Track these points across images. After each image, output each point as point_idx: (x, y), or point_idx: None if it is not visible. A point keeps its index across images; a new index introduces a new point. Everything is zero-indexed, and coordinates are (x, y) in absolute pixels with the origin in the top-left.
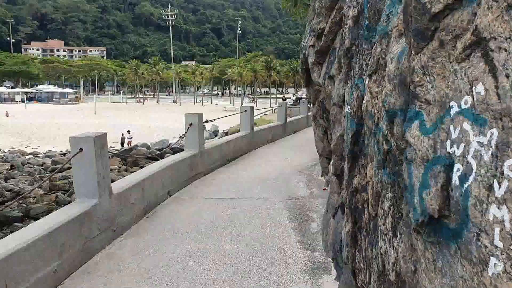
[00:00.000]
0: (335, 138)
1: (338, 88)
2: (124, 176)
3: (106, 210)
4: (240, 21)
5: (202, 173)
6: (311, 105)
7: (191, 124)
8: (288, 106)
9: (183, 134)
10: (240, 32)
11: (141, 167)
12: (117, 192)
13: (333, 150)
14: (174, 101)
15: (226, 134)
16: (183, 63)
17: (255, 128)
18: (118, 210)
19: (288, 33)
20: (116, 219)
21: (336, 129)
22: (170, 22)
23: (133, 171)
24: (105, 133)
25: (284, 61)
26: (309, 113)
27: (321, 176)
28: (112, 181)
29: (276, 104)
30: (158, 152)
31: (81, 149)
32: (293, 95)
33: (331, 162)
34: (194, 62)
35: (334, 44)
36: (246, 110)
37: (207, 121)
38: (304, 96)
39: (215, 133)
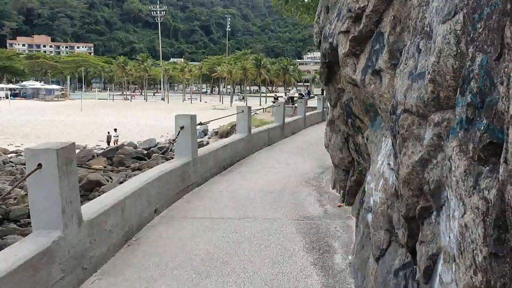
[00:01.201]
0: (409, 164)
1: (413, 86)
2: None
3: (74, 244)
4: (229, 19)
5: (196, 184)
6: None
7: (182, 128)
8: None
9: (173, 140)
10: (229, 29)
11: (128, 167)
12: (89, 219)
13: (402, 180)
14: (162, 99)
15: (216, 133)
16: (172, 60)
17: (253, 130)
18: (90, 242)
19: (278, 32)
20: (87, 253)
21: (409, 150)
22: (158, 19)
23: (119, 171)
24: (73, 144)
25: (274, 60)
26: (306, 114)
27: (333, 188)
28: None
29: (266, 103)
30: (145, 151)
31: (39, 165)
32: (285, 94)
33: (400, 200)
34: (182, 59)
35: (380, 27)
36: (243, 111)
37: (201, 124)
38: (296, 95)
39: (204, 132)
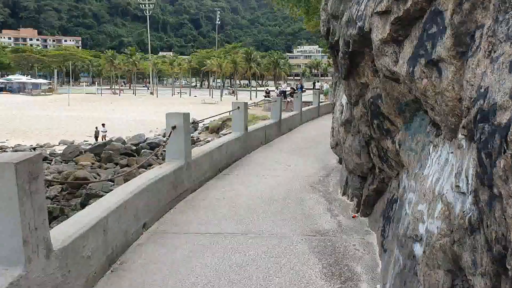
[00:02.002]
0: None
1: None
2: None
3: (41, 282)
4: (219, 12)
5: (189, 190)
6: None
7: (174, 127)
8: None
9: (164, 142)
10: (219, 23)
11: (116, 164)
12: (61, 247)
13: None
14: (151, 93)
15: (207, 128)
16: (161, 53)
17: (249, 128)
18: (63, 275)
19: (267, 25)
20: None
21: None
22: (147, 12)
23: (107, 168)
24: (39, 155)
25: (264, 53)
26: (303, 109)
27: (342, 194)
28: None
29: (256, 97)
30: (134, 147)
31: None
32: (277, 88)
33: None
34: (171, 53)
35: (435, 4)
36: (239, 107)
37: (194, 122)
38: (288, 89)
39: (194, 127)
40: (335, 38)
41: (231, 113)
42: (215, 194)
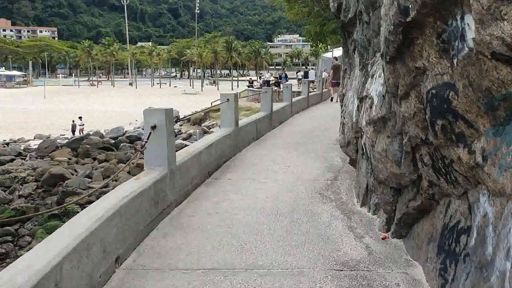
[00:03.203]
0: None
1: None
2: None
3: None
4: (198, 1)
5: (174, 204)
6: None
7: (154, 127)
8: (255, 90)
9: (142, 145)
10: (198, 12)
11: (94, 159)
12: None
13: None
14: (130, 84)
15: (189, 120)
16: (139, 44)
17: (240, 122)
18: None
19: (247, 14)
20: None
21: None
22: (124, 2)
23: (84, 164)
24: None
25: (245, 42)
26: (293, 100)
27: (361, 205)
28: None
29: (238, 87)
30: (113, 141)
31: None
32: (259, 77)
33: None
34: (150, 43)
35: None
36: (228, 99)
37: (179, 119)
38: (272, 78)
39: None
40: (349, 16)
41: (220, 106)
42: (206, 207)
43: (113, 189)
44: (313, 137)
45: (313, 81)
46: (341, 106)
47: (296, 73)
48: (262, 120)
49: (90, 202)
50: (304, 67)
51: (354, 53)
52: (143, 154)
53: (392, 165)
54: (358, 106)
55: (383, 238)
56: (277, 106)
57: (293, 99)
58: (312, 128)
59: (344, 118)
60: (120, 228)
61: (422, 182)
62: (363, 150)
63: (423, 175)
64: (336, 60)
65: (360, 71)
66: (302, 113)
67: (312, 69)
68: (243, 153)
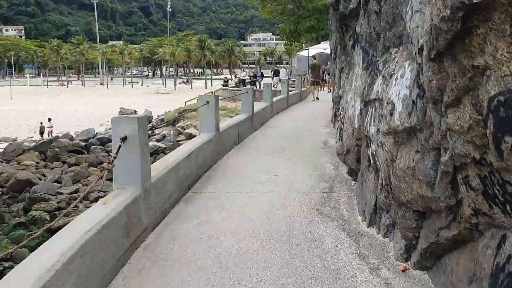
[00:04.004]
0: None
1: None
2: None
3: None
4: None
5: (150, 228)
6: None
7: (124, 139)
8: (230, 89)
9: (110, 161)
10: (170, 10)
11: (63, 163)
12: None
13: None
14: (101, 84)
15: (162, 120)
16: (110, 43)
17: (221, 126)
18: None
19: (219, 13)
20: None
21: None
22: (94, 0)
23: (53, 168)
24: None
25: (218, 41)
26: (273, 100)
27: (368, 225)
28: None
29: (212, 86)
30: (83, 143)
31: None
32: (235, 76)
33: None
34: (121, 41)
35: None
36: (208, 102)
37: (153, 128)
38: (247, 77)
39: (148, 120)
40: (350, 6)
41: (199, 109)
42: (187, 231)
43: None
44: (298, 140)
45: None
46: (337, 109)
47: (271, 71)
48: (243, 123)
49: (59, 209)
50: (278, 65)
51: (354, 50)
52: (112, 170)
53: (421, 186)
54: (361, 110)
55: (403, 270)
56: (258, 107)
57: (273, 99)
58: (295, 129)
59: (343, 123)
60: (81, 273)
61: (462, 209)
62: (369, 161)
63: (465, 201)
64: (315, 59)
65: (364, 70)
66: (282, 113)
67: (284, 67)
68: (225, 160)
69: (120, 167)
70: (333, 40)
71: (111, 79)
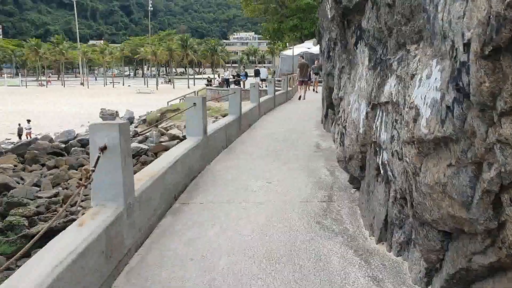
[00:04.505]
0: None
1: None
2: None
3: None
4: None
5: (133, 249)
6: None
7: (104, 149)
8: (214, 88)
9: (87, 175)
10: (151, 9)
11: (43, 165)
12: None
13: None
14: (82, 84)
15: (144, 121)
16: (91, 42)
17: (208, 129)
18: None
19: (201, 12)
20: None
21: None
22: None
23: (32, 171)
24: None
25: (200, 40)
26: (260, 100)
27: (377, 241)
28: None
29: (194, 85)
30: (63, 145)
31: None
32: (219, 75)
33: None
34: (102, 41)
35: None
36: (195, 104)
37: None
38: (231, 76)
39: (130, 120)
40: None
41: (184, 111)
42: (175, 251)
43: (54, 215)
44: (289, 142)
45: (264, 80)
46: (337, 112)
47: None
48: (231, 125)
49: (38, 213)
50: (259, 65)
51: (357, 47)
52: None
53: (452, 205)
54: (367, 113)
55: None
56: (245, 107)
57: (261, 99)
58: (285, 131)
59: (345, 127)
60: None
61: (505, 233)
62: (378, 170)
63: (509, 225)
64: (302, 58)
65: (371, 69)
66: (270, 114)
67: (265, 67)
68: (213, 165)
69: (99, 181)
70: (326, 38)
71: (96, 79)
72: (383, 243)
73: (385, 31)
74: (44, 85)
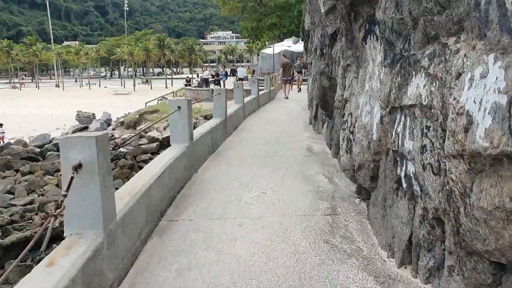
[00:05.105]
0: None
1: None
2: None
3: None
4: None
5: (116, 283)
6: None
7: (79, 167)
8: (193, 88)
9: (58, 204)
10: (127, 9)
11: (16, 171)
12: None
13: None
14: (57, 85)
15: (122, 123)
16: (66, 43)
17: (194, 135)
18: None
19: (178, 11)
20: None
21: None
22: None
23: (5, 177)
24: None
25: (177, 39)
26: (245, 101)
27: (400, 264)
28: None
29: (172, 85)
30: (38, 150)
31: None
32: (198, 75)
33: None
34: (77, 42)
35: None
36: (179, 107)
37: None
38: (210, 76)
39: (107, 123)
40: None
41: (169, 117)
42: (163, 285)
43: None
44: (279, 146)
45: (242, 79)
46: (342, 115)
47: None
48: (217, 128)
49: (12, 222)
50: (235, 64)
51: (366, 42)
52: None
53: None
54: (382, 118)
55: None
56: (230, 109)
57: (245, 100)
58: (273, 133)
59: (352, 132)
60: None
61: None
62: (398, 183)
63: None
64: (285, 57)
65: (388, 67)
66: (255, 115)
67: (242, 66)
68: (201, 174)
69: (73, 206)
70: (318, 34)
71: (76, 81)
72: (406, 267)
73: (409, 22)
74: (17, 88)
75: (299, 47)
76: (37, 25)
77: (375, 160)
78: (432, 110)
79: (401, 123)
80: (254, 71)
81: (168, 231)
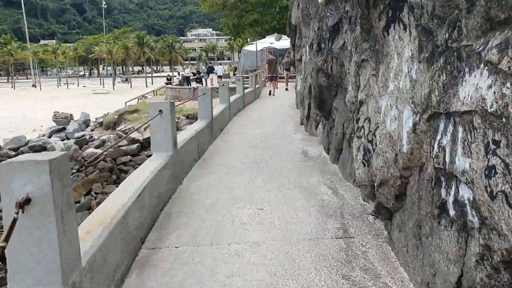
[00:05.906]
0: None
1: None
2: None
3: None
4: None
5: None
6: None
7: (26, 203)
8: (174, 87)
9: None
10: (105, 7)
11: None
12: None
13: None
14: (34, 85)
15: (101, 124)
16: (42, 42)
17: (179, 140)
18: None
19: (157, 9)
20: None
21: None
22: None
23: None
24: None
25: (157, 37)
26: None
27: None
28: None
29: (153, 84)
30: (13, 153)
31: None
32: (179, 73)
33: None
34: (54, 40)
35: None
36: (161, 111)
37: (83, 167)
38: (190, 74)
39: (86, 124)
40: None
41: (149, 121)
42: None
43: None
44: (271, 150)
45: (221, 77)
46: (356, 120)
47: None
48: (203, 132)
49: None
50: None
51: (388, 33)
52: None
53: None
54: (415, 125)
55: None
56: (215, 109)
57: (231, 99)
58: (263, 135)
59: (371, 142)
60: None
61: None
62: (442, 208)
63: None
64: (271, 54)
65: (425, 62)
66: (241, 114)
67: (220, 64)
68: (186, 185)
69: (19, 257)
70: (314, 27)
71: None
72: None
73: (462, 3)
74: None
75: (282, 43)
76: (13, 23)
77: (403, 176)
78: (503, 119)
79: (448, 134)
80: (236, 68)
81: (149, 265)
